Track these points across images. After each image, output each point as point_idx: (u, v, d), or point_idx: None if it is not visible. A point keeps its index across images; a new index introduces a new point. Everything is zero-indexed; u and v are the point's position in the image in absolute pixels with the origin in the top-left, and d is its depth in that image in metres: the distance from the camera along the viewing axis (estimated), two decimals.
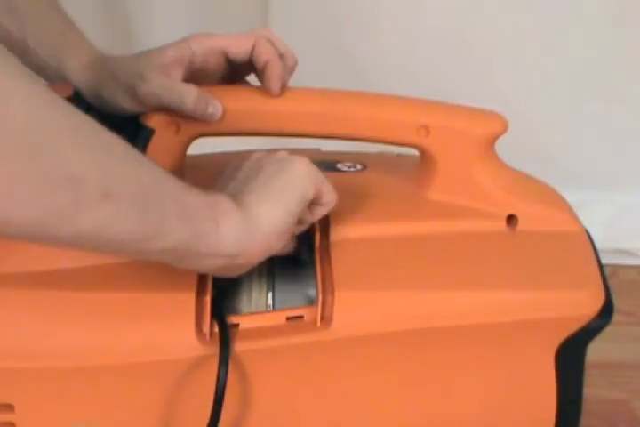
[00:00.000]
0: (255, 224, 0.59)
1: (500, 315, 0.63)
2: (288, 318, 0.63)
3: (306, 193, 0.61)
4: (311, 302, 0.64)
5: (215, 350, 0.60)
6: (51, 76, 0.71)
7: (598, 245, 0.70)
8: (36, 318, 0.61)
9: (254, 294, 0.65)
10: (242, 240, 0.58)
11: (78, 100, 0.66)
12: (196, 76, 0.68)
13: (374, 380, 0.64)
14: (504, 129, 0.68)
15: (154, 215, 0.54)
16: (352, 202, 0.69)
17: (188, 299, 0.61)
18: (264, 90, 0.67)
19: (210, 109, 0.66)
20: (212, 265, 0.59)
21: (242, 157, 0.66)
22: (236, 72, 0.71)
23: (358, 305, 0.62)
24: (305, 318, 0.63)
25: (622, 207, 1.25)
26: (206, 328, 0.61)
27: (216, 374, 0.60)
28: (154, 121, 0.66)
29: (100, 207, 0.50)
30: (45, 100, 0.49)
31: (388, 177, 0.72)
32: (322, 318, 0.62)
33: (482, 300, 0.63)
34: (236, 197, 0.60)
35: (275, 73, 0.67)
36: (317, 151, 0.77)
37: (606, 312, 0.65)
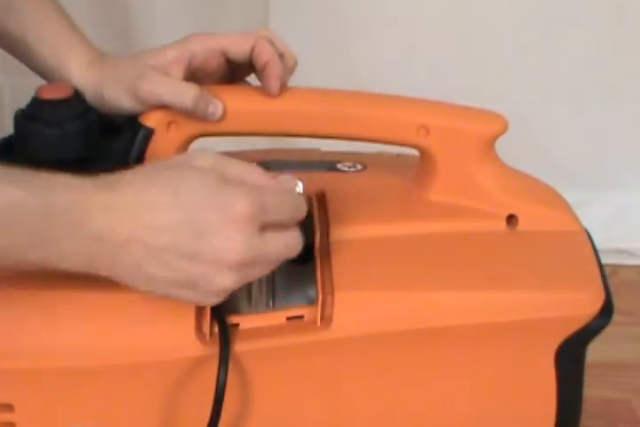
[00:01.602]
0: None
1: (500, 315, 0.63)
2: (288, 318, 0.63)
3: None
4: (311, 301, 0.64)
5: (215, 350, 0.60)
6: (50, 75, 0.71)
7: (598, 245, 0.70)
8: (36, 317, 0.61)
9: (254, 293, 0.65)
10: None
11: (78, 100, 0.66)
12: (195, 76, 0.68)
13: (374, 380, 0.64)
14: (504, 129, 0.68)
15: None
16: (352, 202, 0.69)
17: None
18: (264, 90, 0.67)
19: (210, 109, 0.66)
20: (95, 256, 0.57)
21: None
22: (235, 72, 0.71)
23: (358, 305, 0.62)
24: (305, 317, 0.63)
25: (622, 207, 1.25)
26: (206, 328, 0.61)
27: (216, 374, 0.60)
28: (153, 121, 0.66)
29: None
30: None
31: (388, 177, 0.72)
32: (322, 318, 0.62)
33: (482, 300, 0.63)
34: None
35: (274, 73, 0.67)
36: (317, 151, 0.77)
37: (606, 312, 0.65)
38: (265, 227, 0.57)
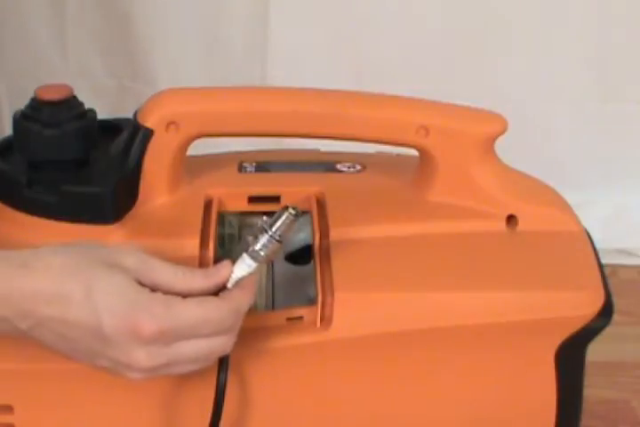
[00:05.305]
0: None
1: (500, 315, 0.63)
2: (288, 319, 0.63)
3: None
4: (311, 302, 0.64)
5: None
6: None
7: (598, 246, 0.70)
8: None
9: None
10: None
11: (77, 100, 0.66)
12: None
13: (374, 380, 0.64)
14: (504, 129, 0.68)
15: None
16: (351, 202, 0.69)
17: None
18: (263, 90, 0.67)
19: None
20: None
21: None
22: None
23: (358, 306, 0.62)
24: (305, 318, 0.63)
25: (622, 207, 1.25)
26: None
27: (216, 376, 0.60)
28: (152, 122, 0.66)
29: None
30: None
31: (387, 178, 0.72)
32: (322, 319, 0.62)
33: (482, 300, 0.63)
34: None
35: None
36: (317, 151, 0.77)
37: (606, 312, 0.65)
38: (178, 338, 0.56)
